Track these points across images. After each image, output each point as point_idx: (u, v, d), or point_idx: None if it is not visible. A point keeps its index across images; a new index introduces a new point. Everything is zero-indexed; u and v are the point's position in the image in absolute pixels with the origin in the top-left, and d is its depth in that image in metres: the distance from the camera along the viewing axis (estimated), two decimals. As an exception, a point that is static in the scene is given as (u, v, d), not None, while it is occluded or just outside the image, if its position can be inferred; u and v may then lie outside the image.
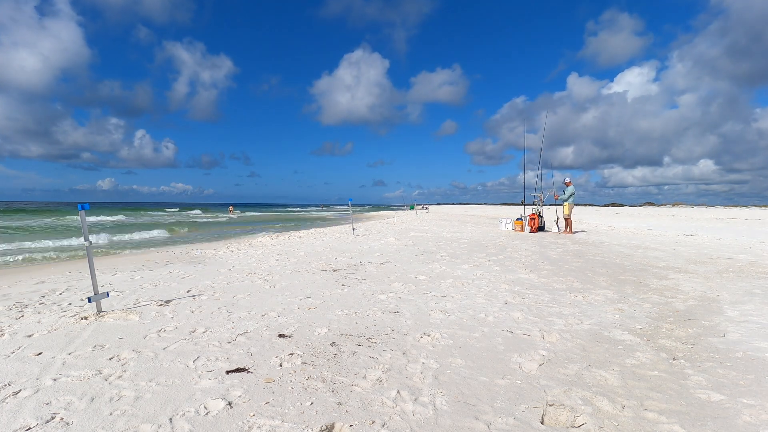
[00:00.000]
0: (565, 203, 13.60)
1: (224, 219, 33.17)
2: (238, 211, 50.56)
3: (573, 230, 14.19)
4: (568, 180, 13.65)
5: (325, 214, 52.25)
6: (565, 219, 13.83)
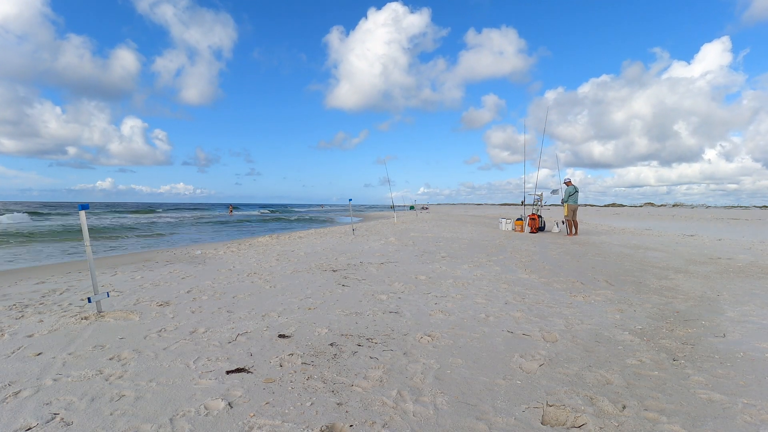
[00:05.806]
0: (565, 204, 13.25)
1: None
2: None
3: (576, 232, 13.39)
4: (568, 179, 13.50)
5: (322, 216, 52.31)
6: (568, 221, 13.27)
